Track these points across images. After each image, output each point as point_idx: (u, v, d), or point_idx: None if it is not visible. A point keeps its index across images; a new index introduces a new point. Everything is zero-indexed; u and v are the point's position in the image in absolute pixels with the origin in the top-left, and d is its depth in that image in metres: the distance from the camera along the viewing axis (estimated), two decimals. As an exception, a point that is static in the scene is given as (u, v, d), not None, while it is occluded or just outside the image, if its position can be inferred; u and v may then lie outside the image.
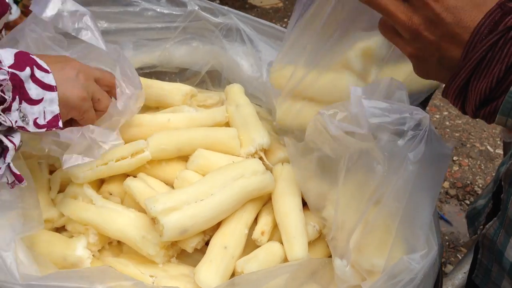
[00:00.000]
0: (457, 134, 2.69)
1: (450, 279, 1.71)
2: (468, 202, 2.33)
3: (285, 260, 0.79)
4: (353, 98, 0.70)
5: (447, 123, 2.76)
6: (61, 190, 0.87)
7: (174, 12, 0.96)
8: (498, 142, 2.60)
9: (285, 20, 3.60)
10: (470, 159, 2.55)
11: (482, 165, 2.53)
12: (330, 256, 0.79)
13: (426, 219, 0.72)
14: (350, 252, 0.74)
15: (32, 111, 0.68)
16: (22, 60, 0.67)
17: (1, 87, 0.63)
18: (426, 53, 0.57)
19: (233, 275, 0.77)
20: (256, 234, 0.80)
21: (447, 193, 2.39)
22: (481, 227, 0.90)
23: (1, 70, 0.64)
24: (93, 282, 0.61)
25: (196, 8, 0.96)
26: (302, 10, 0.79)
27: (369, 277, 0.73)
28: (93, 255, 0.79)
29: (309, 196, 0.82)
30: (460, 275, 1.72)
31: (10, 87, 0.64)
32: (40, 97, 0.68)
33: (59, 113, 0.71)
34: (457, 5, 0.53)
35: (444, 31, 0.54)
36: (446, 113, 2.82)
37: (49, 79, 0.70)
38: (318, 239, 0.83)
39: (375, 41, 0.80)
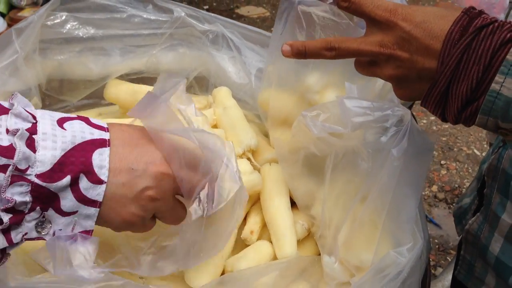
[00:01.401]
0: (444, 139, 2.72)
1: (440, 280, 1.73)
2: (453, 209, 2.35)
3: (274, 258, 0.80)
4: (337, 99, 0.71)
5: (434, 127, 2.79)
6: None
7: (160, 19, 0.97)
8: (485, 146, 2.64)
9: (272, 29, 3.63)
10: (457, 162, 2.59)
11: (470, 168, 2.56)
12: (319, 254, 0.80)
13: (412, 213, 0.73)
14: (338, 249, 0.75)
15: (56, 222, 0.49)
16: (69, 159, 0.47)
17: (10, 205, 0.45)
18: (405, 71, 0.58)
19: (222, 274, 0.77)
20: (245, 233, 0.81)
21: (435, 196, 2.42)
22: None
23: (23, 179, 0.45)
24: (82, 283, 0.61)
25: (183, 14, 0.97)
26: (282, 29, 0.81)
27: (357, 273, 0.74)
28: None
29: (298, 195, 0.83)
30: (450, 277, 1.73)
31: (28, 203, 0.46)
32: (74, 210, 0.49)
33: (92, 230, 0.52)
34: (425, 19, 0.55)
35: (417, 46, 0.56)
36: (433, 118, 2.85)
37: (96, 192, 0.49)
38: (307, 237, 0.84)
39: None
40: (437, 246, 2.18)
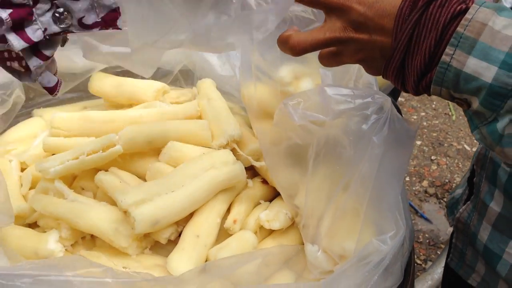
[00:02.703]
0: (434, 134, 2.73)
1: (429, 273, 1.74)
2: (447, 200, 2.36)
3: (258, 248, 0.80)
4: (317, 87, 0.71)
5: (425, 123, 2.80)
6: (33, 187, 0.87)
7: (144, 10, 0.97)
8: (475, 141, 2.65)
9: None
10: (448, 158, 2.59)
11: (460, 163, 2.57)
12: (303, 243, 0.80)
13: (394, 201, 0.73)
14: (321, 238, 0.75)
15: (74, 8, 0.47)
16: None
17: None
18: (368, 52, 0.59)
19: (205, 264, 0.77)
20: (228, 222, 0.81)
21: (426, 191, 2.42)
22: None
23: None
24: (63, 270, 0.61)
25: (166, 6, 0.97)
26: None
27: (341, 262, 0.74)
28: (65, 250, 0.79)
29: (281, 185, 0.83)
30: (440, 269, 1.74)
31: None
32: None
33: (118, 8, 0.50)
34: (377, 0, 0.56)
35: (373, 26, 0.56)
36: (423, 113, 2.86)
37: None
38: (291, 227, 0.84)
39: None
40: (427, 241, 2.19)
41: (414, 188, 2.43)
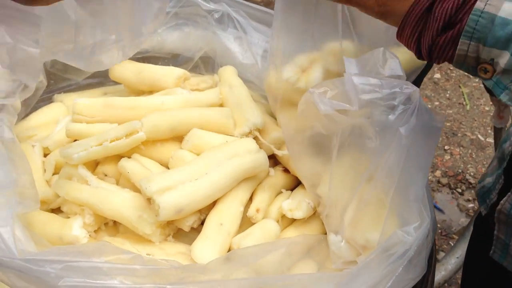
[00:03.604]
0: (448, 124, 2.71)
1: (443, 264, 1.73)
2: (459, 190, 2.35)
3: (280, 237, 0.80)
4: (345, 75, 0.71)
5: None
6: (56, 172, 0.87)
7: (165, -4, 0.96)
8: (489, 131, 2.63)
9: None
10: (461, 148, 2.58)
11: (473, 154, 2.55)
12: (325, 233, 0.80)
13: (419, 192, 0.73)
14: (344, 228, 0.75)
15: None
16: None
17: None
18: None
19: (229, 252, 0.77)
20: (251, 211, 0.81)
21: (439, 181, 2.41)
22: (495, 203, 0.91)
23: None
24: (91, 256, 0.61)
25: (188, -8, 0.97)
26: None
27: (364, 252, 0.74)
28: (89, 236, 0.79)
29: (304, 174, 0.82)
30: (453, 260, 1.74)
31: None
32: None
33: None
34: None
35: None
36: (437, 103, 2.84)
37: None
38: (313, 216, 0.84)
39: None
40: (440, 231, 2.18)
41: (426, 178, 2.42)
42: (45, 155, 0.91)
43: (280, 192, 0.87)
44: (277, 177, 0.88)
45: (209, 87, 1.03)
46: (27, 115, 0.98)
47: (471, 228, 1.68)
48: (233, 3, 1.00)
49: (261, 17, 1.01)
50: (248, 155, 0.81)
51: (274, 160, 0.92)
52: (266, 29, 1.01)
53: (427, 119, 0.70)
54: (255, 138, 0.88)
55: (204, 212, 0.80)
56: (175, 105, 0.91)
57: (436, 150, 2.55)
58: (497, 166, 0.93)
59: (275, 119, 0.96)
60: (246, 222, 0.81)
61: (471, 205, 2.26)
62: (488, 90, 1.51)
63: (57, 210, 0.84)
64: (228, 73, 0.97)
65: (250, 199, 0.84)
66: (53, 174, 0.88)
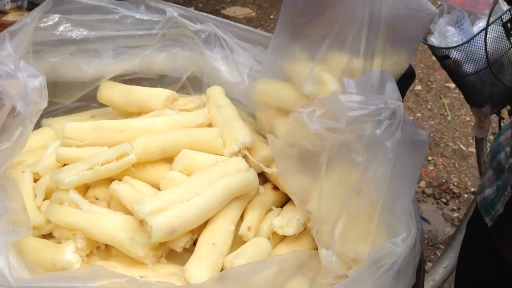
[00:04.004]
0: (430, 135, 2.75)
1: (430, 274, 1.75)
2: (444, 200, 2.38)
3: (272, 254, 0.81)
4: (331, 94, 0.73)
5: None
6: (47, 197, 0.87)
7: (153, 19, 0.98)
8: (471, 141, 2.67)
9: (259, 29, 3.64)
10: (444, 158, 2.62)
11: (456, 163, 2.59)
12: (316, 249, 0.81)
13: (407, 204, 0.74)
14: (335, 242, 0.76)
15: None
16: None
17: None
18: None
19: (222, 271, 0.78)
20: (242, 230, 0.82)
21: (423, 192, 2.44)
22: (502, 215, 0.92)
23: None
24: (86, 281, 0.61)
25: (175, 14, 0.98)
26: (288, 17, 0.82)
27: (354, 265, 0.76)
28: (81, 260, 0.79)
29: (293, 190, 0.84)
30: (440, 270, 1.75)
31: None
32: None
33: None
34: None
35: None
36: (419, 114, 2.88)
37: None
38: (303, 233, 0.85)
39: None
40: (426, 241, 2.20)
41: (412, 189, 2.44)
42: (35, 181, 0.90)
43: (270, 209, 0.89)
44: (267, 195, 0.89)
45: (196, 107, 1.04)
46: (15, 140, 0.98)
47: (458, 237, 1.71)
48: (219, 23, 1.02)
49: (247, 36, 1.03)
50: (237, 174, 0.82)
51: (263, 177, 0.93)
52: (252, 47, 1.02)
53: (412, 132, 0.72)
54: (244, 156, 0.89)
55: (196, 232, 0.81)
56: (164, 126, 0.92)
57: (420, 161, 2.58)
58: (495, 177, 0.94)
59: (264, 137, 0.98)
60: (238, 241, 0.82)
61: (456, 214, 2.29)
62: (469, 100, 1.54)
63: (48, 236, 0.84)
64: (215, 93, 0.98)
65: (241, 217, 0.85)
66: (44, 199, 0.88)
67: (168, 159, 0.89)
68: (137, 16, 0.96)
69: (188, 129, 0.91)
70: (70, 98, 1.03)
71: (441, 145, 2.69)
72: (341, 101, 0.71)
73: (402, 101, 1.19)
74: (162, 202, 0.75)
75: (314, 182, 0.80)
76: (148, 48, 1.00)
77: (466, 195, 2.42)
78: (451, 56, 1.39)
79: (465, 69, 1.40)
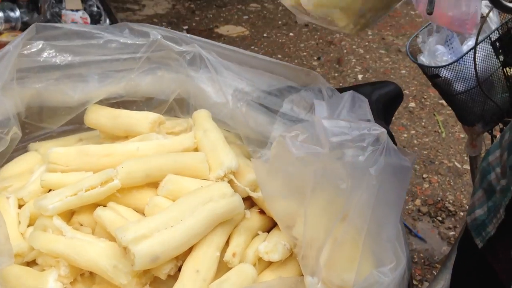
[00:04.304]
0: (425, 152, 2.75)
1: (426, 294, 1.73)
2: (440, 218, 2.37)
3: (257, 281, 0.80)
4: (314, 119, 0.72)
5: (415, 141, 2.82)
6: (31, 223, 0.86)
7: (137, 42, 0.98)
8: (465, 158, 2.67)
9: (252, 47, 3.66)
10: (439, 176, 2.61)
11: (451, 181, 2.58)
12: (302, 275, 0.80)
13: (392, 231, 0.74)
14: (320, 269, 0.75)
15: None
16: None
17: None
18: None
19: (206, 298, 0.77)
20: (227, 256, 0.81)
21: (419, 210, 2.43)
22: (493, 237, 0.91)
23: None
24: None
25: (159, 37, 0.98)
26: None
27: (341, 294, 0.75)
28: (65, 287, 0.78)
29: (279, 216, 0.83)
30: (436, 290, 1.74)
31: None
32: None
33: None
34: None
35: None
36: (413, 131, 2.88)
37: None
38: (290, 258, 0.84)
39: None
40: (422, 260, 2.19)
41: (407, 207, 2.43)
42: (20, 206, 0.90)
43: (257, 234, 0.88)
44: (253, 219, 0.88)
45: (184, 130, 1.04)
46: (1, 165, 0.98)
47: (452, 257, 1.69)
48: (204, 44, 1.01)
49: (231, 56, 1.03)
50: (222, 199, 0.81)
51: (250, 201, 0.93)
52: (237, 67, 1.02)
53: (396, 159, 0.72)
54: (230, 181, 0.89)
55: (181, 258, 0.80)
56: (150, 150, 0.92)
57: (414, 179, 2.58)
58: (485, 198, 0.93)
59: (250, 160, 0.97)
60: (223, 267, 0.81)
61: (452, 232, 2.28)
62: (460, 119, 1.55)
63: (32, 263, 0.83)
64: (202, 117, 0.98)
65: (227, 242, 0.84)
66: (28, 225, 0.87)
67: (154, 184, 0.89)
68: (121, 40, 0.96)
69: (174, 154, 0.90)
70: (57, 123, 1.03)
71: (436, 162, 2.69)
72: (324, 126, 0.71)
73: (389, 124, 1.20)
74: (146, 229, 0.75)
75: (300, 207, 0.80)
76: (133, 72, 1.00)
77: (462, 213, 2.41)
78: (441, 75, 1.40)
79: (456, 88, 1.41)
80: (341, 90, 0.99)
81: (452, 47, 1.48)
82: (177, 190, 0.85)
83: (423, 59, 1.48)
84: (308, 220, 0.76)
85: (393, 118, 2.97)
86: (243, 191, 0.89)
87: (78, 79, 0.97)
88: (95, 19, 3.34)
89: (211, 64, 0.99)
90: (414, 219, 2.39)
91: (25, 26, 2.59)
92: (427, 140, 2.84)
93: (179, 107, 1.10)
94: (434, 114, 3.02)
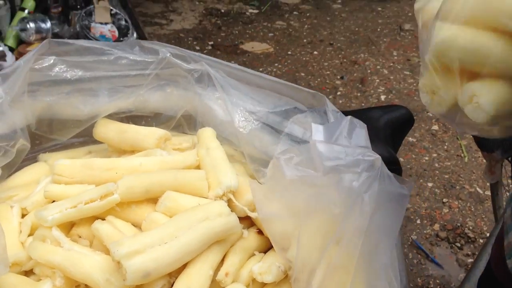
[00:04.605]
0: (446, 176, 2.70)
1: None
2: (459, 244, 2.32)
3: (249, 302, 0.79)
4: (310, 142, 0.72)
5: (436, 165, 2.77)
6: (32, 233, 0.88)
7: (146, 59, 1.00)
8: (487, 184, 2.61)
9: (276, 64, 3.68)
10: (460, 201, 2.56)
11: (472, 207, 2.53)
12: (296, 298, 0.79)
13: (387, 259, 0.73)
14: (312, 293, 0.74)
15: None
16: None
17: None
18: None
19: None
20: (220, 275, 0.81)
21: (437, 235, 2.38)
22: None
23: None
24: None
25: (168, 55, 1.00)
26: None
27: (332, 319, 0.74)
28: (60, 299, 0.79)
29: (274, 237, 0.83)
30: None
31: None
32: None
33: None
34: None
35: None
36: (435, 155, 2.84)
37: None
38: (285, 280, 0.84)
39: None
40: (438, 287, 2.14)
41: (425, 231, 2.39)
42: (25, 216, 0.92)
43: (253, 255, 0.87)
44: (251, 239, 0.88)
45: (190, 147, 1.05)
46: (10, 174, 1.00)
47: (466, 286, 1.65)
48: (212, 63, 1.03)
49: (239, 75, 1.03)
50: (219, 218, 0.81)
51: (249, 221, 0.93)
52: (244, 87, 1.03)
53: (392, 186, 0.71)
54: (229, 200, 0.89)
55: (174, 275, 0.80)
56: (152, 166, 0.93)
57: (434, 203, 2.54)
58: None
59: (254, 178, 0.97)
60: (216, 286, 0.81)
61: (470, 260, 2.22)
62: (479, 145, 1.52)
63: (30, 272, 0.85)
64: (206, 135, 0.99)
65: (222, 261, 0.84)
66: (29, 235, 0.89)
67: (154, 200, 0.89)
68: (131, 57, 0.98)
69: (174, 171, 0.91)
70: (67, 135, 1.05)
71: (457, 187, 2.64)
72: (319, 150, 0.70)
73: (397, 148, 1.18)
74: (140, 244, 0.75)
75: (295, 230, 0.79)
76: (142, 87, 1.02)
77: (481, 240, 2.35)
78: (459, 100, 1.38)
79: (474, 114, 1.38)
80: (349, 113, 0.99)
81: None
82: (175, 207, 0.86)
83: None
84: (301, 243, 0.76)
85: (415, 140, 2.94)
86: (242, 210, 0.89)
87: (89, 93, 1.00)
88: (122, 33, 3.42)
89: (218, 82, 1.00)
90: (431, 244, 2.34)
91: (55, 37, 2.66)
92: (449, 164, 2.79)
93: (187, 123, 1.12)
94: (457, 138, 2.97)
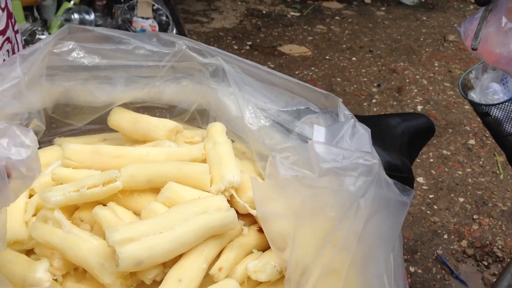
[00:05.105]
0: (479, 192, 2.61)
1: None
2: (486, 263, 2.24)
3: (241, 299, 0.79)
4: (308, 143, 0.71)
5: (470, 180, 2.69)
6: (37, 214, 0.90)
7: (162, 51, 1.00)
8: (522, 204, 2.51)
9: (312, 68, 3.65)
10: (491, 218, 2.47)
11: (504, 226, 2.44)
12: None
13: (381, 267, 0.71)
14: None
15: None
16: None
17: None
18: None
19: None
20: (213, 269, 0.80)
21: (464, 252, 2.31)
22: None
23: None
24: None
25: (184, 47, 1.00)
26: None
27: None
28: (56, 279, 0.81)
29: (271, 237, 0.82)
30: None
31: None
32: None
33: None
34: None
35: None
36: (469, 169, 2.75)
37: None
38: (280, 281, 0.82)
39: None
40: (460, 305, 2.07)
41: (451, 247, 2.32)
42: (32, 196, 0.94)
43: (251, 252, 0.87)
44: (250, 237, 0.87)
45: (201, 141, 1.05)
46: (25, 155, 1.03)
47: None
48: (228, 58, 1.02)
49: (254, 72, 1.03)
50: (216, 213, 0.81)
51: (252, 218, 0.92)
52: (258, 83, 1.02)
53: (390, 193, 0.69)
54: (231, 196, 0.88)
55: (169, 266, 0.80)
56: (159, 157, 0.93)
57: (464, 219, 2.46)
58: None
59: (262, 178, 0.97)
60: (209, 280, 0.81)
61: (496, 280, 2.14)
62: (510, 161, 1.46)
63: (31, 251, 0.86)
64: (214, 129, 0.99)
65: (218, 256, 0.83)
66: (34, 215, 0.90)
67: (156, 190, 0.90)
68: (148, 48, 0.99)
69: (178, 162, 0.91)
70: (82, 121, 1.07)
71: (489, 204, 2.54)
72: (316, 151, 0.69)
73: (414, 157, 1.15)
74: (135, 232, 0.76)
75: (291, 230, 0.78)
76: (157, 79, 1.03)
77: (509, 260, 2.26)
78: (491, 114, 1.33)
79: (506, 129, 1.34)
80: (366, 118, 0.96)
81: (507, 86, 1.40)
82: (175, 198, 0.86)
83: (474, 96, 1.41)
84: (295, 243, 0.75)
85: (449, 153, 2.86)
86: (243, 207, 0.88)
87: (105, 81, 1.01)
88: (163, 28, 3.46)
89: (232, 77, 0.99)
90: (457, 260, 2.27)
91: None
92: (483, 180, 2.69)
93: (201, 117, 1.12)
94: (494, 154, 2.87)
